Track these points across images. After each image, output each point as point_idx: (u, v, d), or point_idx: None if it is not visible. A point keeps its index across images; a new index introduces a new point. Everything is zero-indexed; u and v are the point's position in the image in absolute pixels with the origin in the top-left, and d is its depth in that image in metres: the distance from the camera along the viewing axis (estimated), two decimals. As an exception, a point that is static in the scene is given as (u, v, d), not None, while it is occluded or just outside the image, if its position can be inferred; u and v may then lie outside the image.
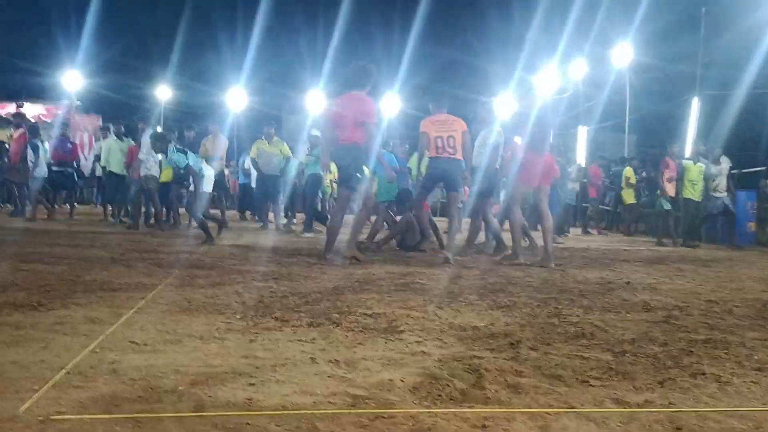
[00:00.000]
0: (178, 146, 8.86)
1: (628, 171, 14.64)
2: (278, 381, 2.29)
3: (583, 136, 23.31)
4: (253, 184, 13.10)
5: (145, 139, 10.38)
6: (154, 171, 10.32)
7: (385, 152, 11.30)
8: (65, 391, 2.11)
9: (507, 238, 7.48)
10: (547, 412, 2.07)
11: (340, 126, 6.39)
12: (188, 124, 12.57)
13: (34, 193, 11.52)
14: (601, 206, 16.99)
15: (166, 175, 10.76)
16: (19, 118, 13.72)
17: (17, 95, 20.78)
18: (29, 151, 11.34)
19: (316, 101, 23.82)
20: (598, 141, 24.29)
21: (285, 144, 11.67)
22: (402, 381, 2.33)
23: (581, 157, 21.04)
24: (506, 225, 7.69)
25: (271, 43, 23.07)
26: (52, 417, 1.87)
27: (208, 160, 10.99)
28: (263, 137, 11.44)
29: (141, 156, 10.36)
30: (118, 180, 11.32)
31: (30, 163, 11.31)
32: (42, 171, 11.51)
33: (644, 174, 14.34)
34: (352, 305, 3.80)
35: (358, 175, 6.29)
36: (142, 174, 10.31)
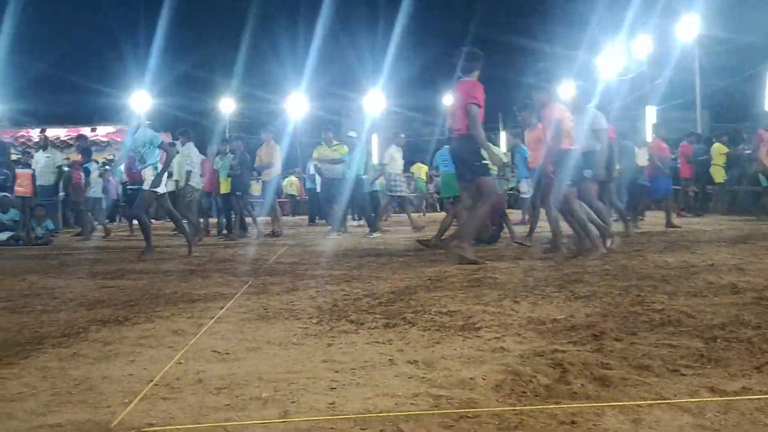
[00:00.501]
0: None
1: (720, 147, 13.81)
2: (359, 384, 2.29)
3: (651, 115, 22.52)
4: (319, 189, 13.29)
5: (189, 150, 10.72)
6: (195, 182, 10.72)
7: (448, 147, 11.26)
8: (154, 403, 2.17)
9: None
10: (638, 405, 1.99)
11: (452, 117, 6.11)
12: (226, 137, 12.95)
13: (98, 213, 12.11)
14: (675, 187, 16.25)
15: (226, 186, 11.04)
16: (81, 141, 14.30)
17: (90, 118, 21.73)
18: (81, 174, 11.94)
19: (374, 103, 23.92)
20: (667, 120, 23.42)
21: (345, 147, 11.77)
22: (483, 379, 2.29)
23: (650, 137, 20.31)
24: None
25: (329, 48, 23.31)
26: (143, 429, 1.92)
27: (260, 169, 11.23)
28: (323, 142, 11.58)
29: (188, 168, 10.69)
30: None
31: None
32: (96, 192, 12.01)
33: (746, 150, 13.39)
34: (426, 304, 3.78)
35: (481, 166, 5.78)
36: (192, 184, 10.69)
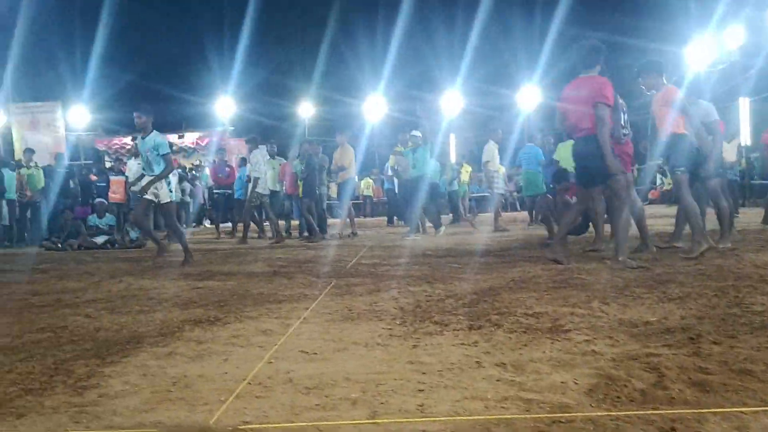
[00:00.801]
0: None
1: None
2: (446, 386, 2.28)
3: (744, 108, 21.38)
4: (397, 190, 13.38)
5: (256, 157, 10.95)
6: (263, 187, 11.01)
7: (531, 145, 11.08)
8: (248, 401, 2.23)
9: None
10: (742, 412, 1.90)
11: (572, 115, 5.63)
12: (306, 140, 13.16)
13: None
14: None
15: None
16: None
17: (178, 126, 22.66)
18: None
19: (452, 103, 23.80)
20: (762, 113, 22.16)
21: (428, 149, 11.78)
22: (576, 383, 2.23)
23: (746, 130, 19.27)
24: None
25: (407, 49, 23.33)
26: (240, 427, 1.98)
27: (331, 171, 11.35)
28: (399, 144, 11.63)
29: (255, 174, 10.94)
30: (274, 196, 11.97)
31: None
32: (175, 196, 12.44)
33: None
34: (511, 305, 3.73)
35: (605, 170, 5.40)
36: (258, 191, 10.91)
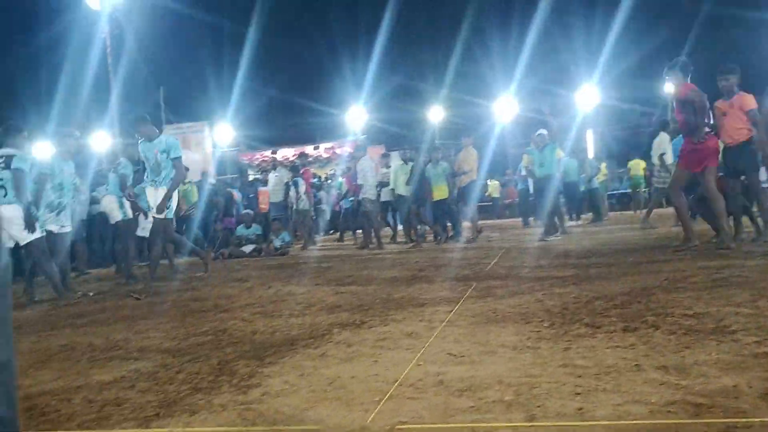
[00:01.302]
0: None
1: None
2: (605, 390, 2.19)
3: None
4: (532, 190, 13.09)
5: (362, 165, 11.08)
6: (370, 194, 11.11)
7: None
8: (402, 402, 2.26)
9: None
10: None
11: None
12: (436, 145, 13.19)
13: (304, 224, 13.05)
14: None
15: (439, 193, 11.24)
16: (302, 158, 15.48)
17: (313, 137, 23.60)
18: (292, 189, 12.82)
19: (587, 98, 22.97)
20: None
21: (557, 147, 11.44)
22: (749, 387, 2.07)
23: None
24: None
25: (539, 47, 22.74)
26: (397, 427, 2.01)
27: (447, 174, 11.27)
28: (532, 143, 11.32)
29: (360, 182, 11.14)
30: (402, 200, 12.12)
31: (291, 200, 12.80)
32: (304, 204, 12.80)
33: None
34: (668, 306, 3.52)
35: None
36: (360, 197, 11.04)
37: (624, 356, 2.60)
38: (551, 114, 11.07)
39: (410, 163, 11.86)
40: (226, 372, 2.89)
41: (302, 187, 12.95)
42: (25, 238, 5.94)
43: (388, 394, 2.36)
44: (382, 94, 25.73)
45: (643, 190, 20.77)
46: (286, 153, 24.00)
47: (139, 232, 8.61)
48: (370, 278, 6.29)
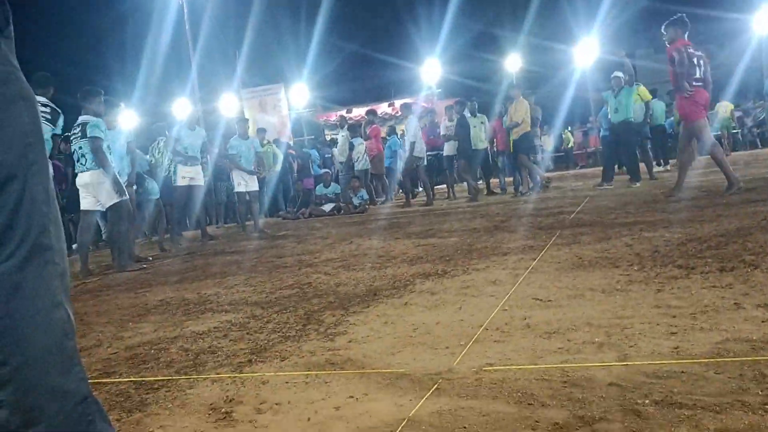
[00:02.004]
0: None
1: None
2: (702, 329, 2.10)
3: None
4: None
5: (411, 122, 10.85)
6: (419, 151, 11.07)
7: None
8: (488, 345, 2.25)
9: None
10: None
11: None
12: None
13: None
14: None
15: None
16: (370, 115, 15.29)
17: (388, 93, 23.48)
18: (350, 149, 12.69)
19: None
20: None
21: (642, 86, 10.90)
22: None
23: None
24: None
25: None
26: (484, 368, 2.00)
27: (509, 127, 10.95)
28: (613, 88, 10.76)
29: (411, 139, 10.93)
30: (476, 154, 11.90)
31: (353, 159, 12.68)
32: (364, 164, 12.67)
33: None
34: (767, 245, 3.33)
35: None
36: (415, 155, 10.94)
37: (722, 295, 2.48)
38: (627, 54, 10.50)
39: (480, 115, 11.62)
40: (313, 321, 2.95)
41: (361, 147, 12.86)
42: (109, 201, 6.11)
43: (474, 338, 2.35)
44: (458, 46, 25.20)
45: (733, 131, 19.74)
46: (361, 112, 24.02)
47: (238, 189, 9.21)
48: (450, 231, 6.25)
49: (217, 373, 2.27)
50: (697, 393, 1.59)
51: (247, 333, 2.86)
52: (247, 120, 10.17)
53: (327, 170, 13.17)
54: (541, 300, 2.83)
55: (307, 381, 2.08)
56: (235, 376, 2.21)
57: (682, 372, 1.73)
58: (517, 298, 2.93)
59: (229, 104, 20.52)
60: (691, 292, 2.60)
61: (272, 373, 2.20)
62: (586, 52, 23.62)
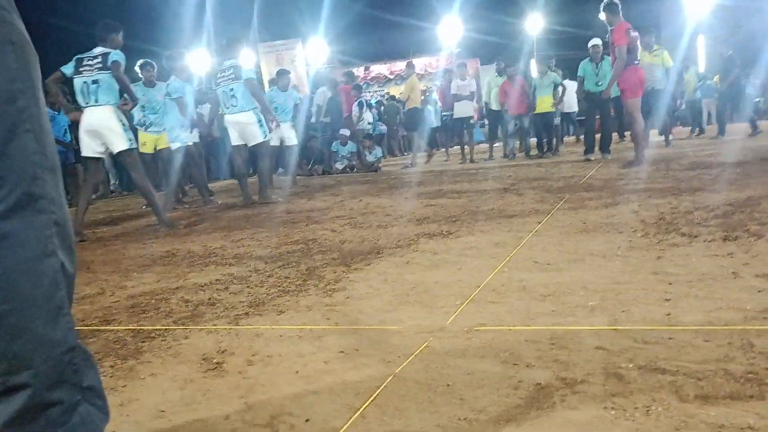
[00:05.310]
0: None
1: None
2: (697, 297, 2.10)
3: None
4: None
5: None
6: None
7: None
8: (483, 306, 2.26)
9: None
10: None
11: None
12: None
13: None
14: None
15: (545, 105, 10.84)
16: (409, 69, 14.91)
17: (406, 53, 23.13)
18: (355, 107, 12.45)
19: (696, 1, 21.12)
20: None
21: (666, 52, 10.60)
22: None
23: None
24: None
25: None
26: (476, 328, 2.01)
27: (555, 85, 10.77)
28: (591, 57, 10.21)
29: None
30: (497, 116, 11.75)
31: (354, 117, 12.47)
32: (362, 124, 12.50)
33: None
34: (775, 215, 3.29)
35: None
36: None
37: (721, 264, 2.47)
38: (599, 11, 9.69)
39: (502, 76, 11.42)
40: (314, 277, 2.97)
41: (367, 114, 12.63)
42: (253, 140, 6.79)
43: (469, 298, 2.37)
44: (476, 4, 24.67)
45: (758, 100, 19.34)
46: (380, 69, 23.74)
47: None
48: (460, 191, 6.23)
49: (214, 325, 2.31)
50: (683, 359, 1.60)
51: (248, 287, 2.90)
52: (288, 72, 10.05)
53: (345, 129, 13.06)
54: (540, 263, 2.83)
55: (300, 335, 2.11)
56: (230, 328, 2.24)
57: (670, 338, 1.73)
58: (518, 260, 2.94)
59: (245, 57, 20.35)
60: (690, 260, 2.59)
61: (267, 327, 2.23)
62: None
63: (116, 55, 5.26)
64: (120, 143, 5.25)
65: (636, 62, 7.30)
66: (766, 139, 9.80)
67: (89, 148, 5.33)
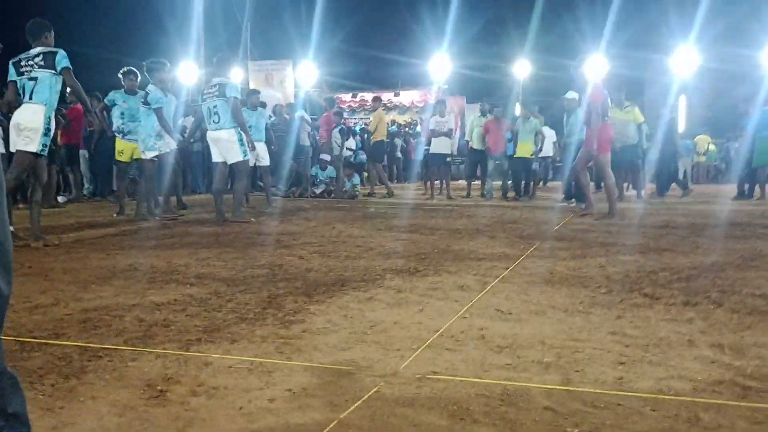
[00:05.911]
0: None
1: None
2: (651, 362, 2.10)
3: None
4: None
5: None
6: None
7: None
8: (439, 352, 2.24)
9: None
10: None
11: None
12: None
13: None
14: None
15: (525, 150, 10.95)
16: (375, 102, 14.88)
17: (395, 84, 23.30)
18: (336, 133, 12.34)
19: (681, 62, 21.61)
20: None
21: (637, 108, 10.72)
22: (810, 376, 1.93)
23: None
24: None
25: (631, 3, 21.36)
26: (428, 376, 1.99)
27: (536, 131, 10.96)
28: (612, 104, 10.34)
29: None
30: (478, 155, 11.80)
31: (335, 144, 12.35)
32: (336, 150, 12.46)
33: None
34: (736, 284, 3.33)
35: None
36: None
37: (678, 330, 2.48)
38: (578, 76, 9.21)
39: (489, 116, 11.53)
40: (274, 305, 2.93)
41: (350, 142, 12.65)
42: (234, 158, 6.86)
43: (426, 343, 2.34)
44: (465, 44, 24.95)
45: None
46: (368, 97, 23.86)
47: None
48: (433, 228, 6.24)
49: (164, 349, 2.25)
50: (629, 428, 1.59)
51: (205, 310, 2.85)
52: (258, 92, 10.10)
53: (326, 155, 13.02)
54: (502, 312, 2.82)
55: (250, 368, 2.06)
56: (179, 354, 2.19)
57: (619, 405, 1.73)
58: (480, 307, 2.93)
59: (234, 75, 20.34)
60: (650, 323, 2.60)
61: (218, 356, 2.18)
62: (597, 65, 23.51)
63: (64, 60, 5.11)
64: (30, 144, 4.98)
65: (606, 119, 7.43)
66: (738, 204, 9.99)
67: (15, 143, 5.12)
